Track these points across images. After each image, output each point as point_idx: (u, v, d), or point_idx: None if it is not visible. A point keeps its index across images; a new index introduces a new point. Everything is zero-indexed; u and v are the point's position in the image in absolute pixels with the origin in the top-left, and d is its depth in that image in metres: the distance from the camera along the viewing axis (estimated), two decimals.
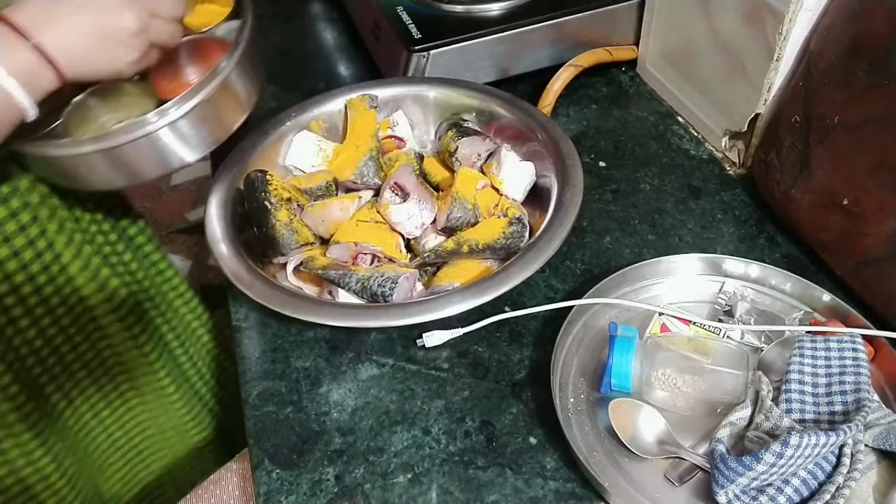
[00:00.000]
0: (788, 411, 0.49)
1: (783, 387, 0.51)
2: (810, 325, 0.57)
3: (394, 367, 0.59)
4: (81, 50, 0.50)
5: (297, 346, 0.62)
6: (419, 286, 0.63)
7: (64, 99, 0.58)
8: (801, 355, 0.52)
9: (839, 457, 0.47)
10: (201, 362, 0.86)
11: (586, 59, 0.82)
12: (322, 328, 0.62)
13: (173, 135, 0.58)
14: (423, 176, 0.72)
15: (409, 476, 0.53)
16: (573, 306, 0.58)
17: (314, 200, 0.68)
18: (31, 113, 0.50)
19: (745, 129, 0.71)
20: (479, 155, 0.69)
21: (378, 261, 0.63)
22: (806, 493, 0.46)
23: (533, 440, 0.54)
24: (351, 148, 0.70)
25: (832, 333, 0.54)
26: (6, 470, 0.67)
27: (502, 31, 0.79)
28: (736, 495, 0.46)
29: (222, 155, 0.70)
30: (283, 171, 0.72)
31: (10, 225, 0.61)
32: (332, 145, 0.73)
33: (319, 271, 0.61)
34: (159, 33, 0.54)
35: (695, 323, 0.58)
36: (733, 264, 0.61)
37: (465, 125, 0.72)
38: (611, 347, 0.54)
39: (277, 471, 0.53)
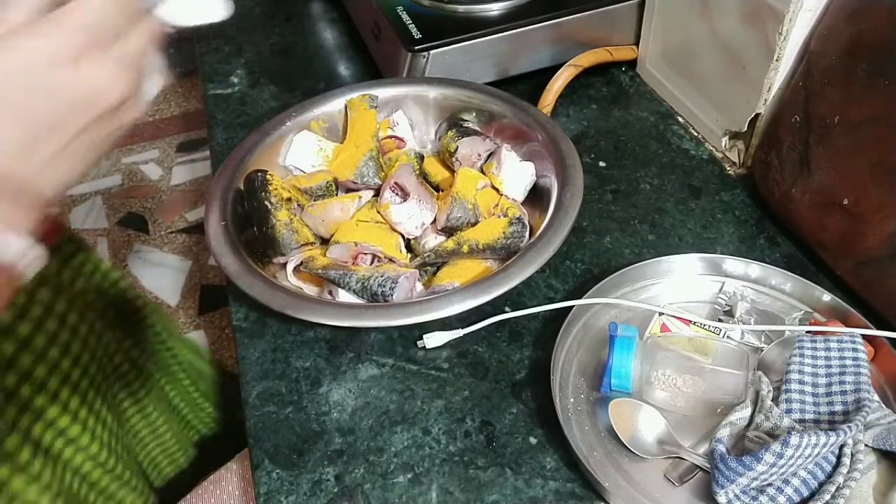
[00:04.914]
0: (788, 411, 0.49)
1: (783, 387, 0.51)
2: (810, 325, 0.57)
3: (394, 368, 0.60)
4: (82, 172, 0.39)
5: (297, 346, 0.62)
6: (419, 286, 0.63)
7: None
8: (801, 355, 0.52)
9: (839, 457, 0.47)
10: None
11: (586, 59, 0.82)
12: (322, 328, 0.62)
13: None
14: (423, 176, 0.72)
15: (409, 476, 0.53)
16: (573, 306, 0.58)
17: (314, 200, 0.68)
18: (41, 264, 0.39)
19: (745, 129, 0.71)
20: (479, 155, 0.69)
21: (378, 261, 0.63)
22: (806, 493, 0.46)
23: (533, 440, 0.54)
24: (351, 148, 0.71)
25: (832, 333, 0.54)
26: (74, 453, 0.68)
27: (502, 31, 0.79)
28: (736, 495, 0.46)
29: (222, 155, 0.70)
30: (283, 171, 0.72)
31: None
32: (332, 145, 0.73)
33: (319, 271, 0.61)
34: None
35: (695, 323, 0.58)
36: (733, 264, 0.61)
37: (465, 125, 0.72)
38: (611, 347, 0.54)
39: (277, 471, 0.53)
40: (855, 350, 0.52)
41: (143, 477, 0.82)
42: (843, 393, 0.50)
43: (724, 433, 0.49)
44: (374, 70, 0.89)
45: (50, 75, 0.35)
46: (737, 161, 0.75)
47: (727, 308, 0.60)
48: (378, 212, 0.66)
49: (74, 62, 0.35)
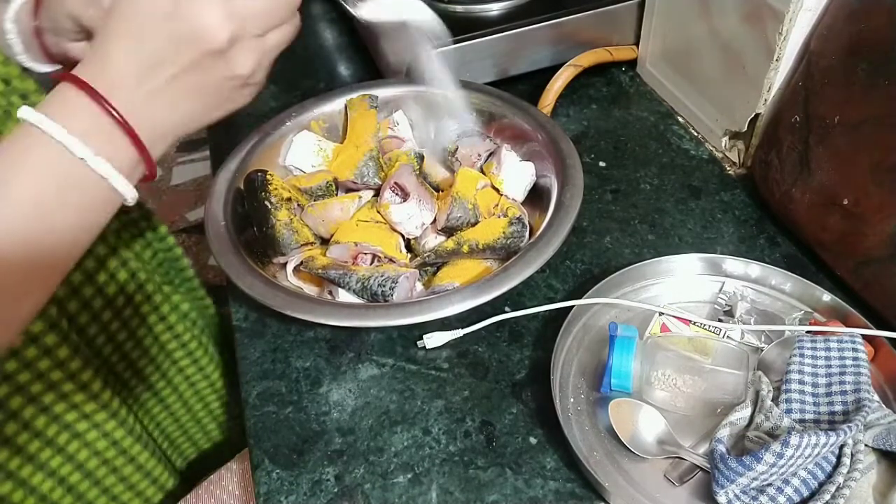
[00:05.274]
0: (788, 411, 0.49)
1: (783, 387, 0.51)
2: (810, 325, 0.57)
3: (394, 367, 0.60)
4: (186, 123, 0.41)
5: (297, 346, 0.62)
6: (419, 286, 0.63)
7: None
8: (801, 355, 0.52)
9: (839, 457, 0.47)
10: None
11: (586, 59, 0.82)
12: (322, 328, 0.62)
13: None
14: (423, 176, 0.72)
15: (409, 476, 0.53)
16: (573, 306, 0.58)
17: (314, 200, 0.68)
18: (130, 199, 0.42)
19: (745, 129, 0.71)
20: (479, 155, 0.69)
21: (378, 261, 0.63)
22: (806, 493, 0.46)
23: (533, 440, 0.54)
24: (351, 148, 0.71)
25: (832, 333, 0.54)
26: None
27: (502, 31, 0.79)
28: (736, 495, 0.46)
29: (222, 155, 0.70)
30: (283, 171, 0.72)
31: None
32: (332, 145, 0.73)
33: (319, 271, 0.61)
34: (277, 49, 0.42)
35: (695, 323, 0.58)
36: (733, 264, 0.61)
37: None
38: (611, 347, 0.54)
39: (277, 471, 0.53)
40: (855, 350, 0.52)
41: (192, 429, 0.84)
42: (843, 393, 0.50)
43: (724, 433, 0.49)
44: (374, 70, 0.89)
45: (170, 7, 0.36)
46: (737, 161, 0.74)
47: (727, 308, 0.60)
48: (378, 212, 0.66)
49: None
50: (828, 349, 0.52)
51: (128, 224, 0.72)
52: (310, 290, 0.64)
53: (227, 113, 0.43)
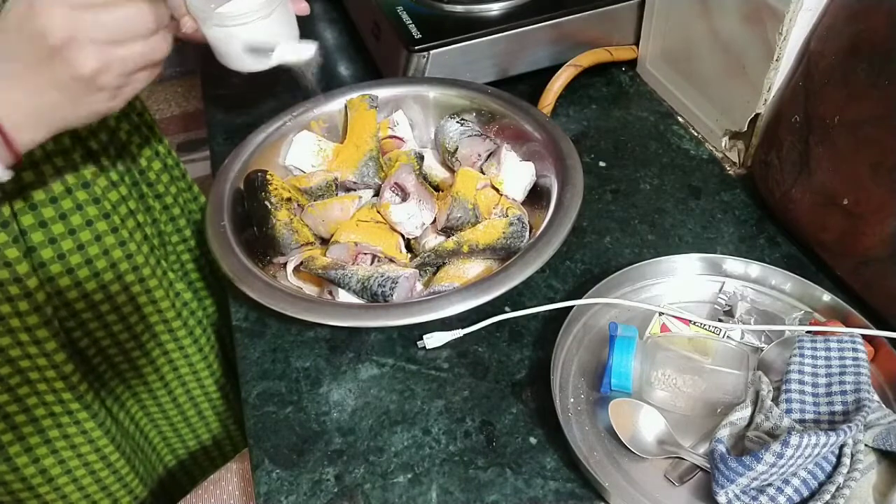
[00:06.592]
0: (788, 411, 0.49)
1: (783, 387, 0.51)
2: (810, 325, 0.57)
3: (394, 367, 0.60)
4: (35, 115, 0.44)
5: (297, 346, 0.62)
6: (419, 286, 0.63)
7: None
8: (801, 355, 0.52)
9: (839, 457, 0.47)
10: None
11: (586, 59, 0.82)
12: (322, 328, 0.62)
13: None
14: (423, 176, 0.72)
15: (409, 476, 0.53)
16: (573, 306, 0.58)
17: (314, 200, 0.68)
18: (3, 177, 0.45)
19: (745, 129, 0.71)
20: (479, 155, 0.69)
21: (378, 261, 0.63)
22: (806, 493, 0.46)
23: (533, 440, 0.54)
24: (351, 148, 0.71)
25: (832, 333, 0.54)
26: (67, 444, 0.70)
27: (502, 31, 0.79)
28: (736, 495, 0.46)
29: (222, 155, 0.70)
30: (283, 171, 0.72)
31: (76, 217, 0.62)
32: (332, 145, 0.73)
33: (319, 271, 0.61)
34: (131, 61, 0.44)
35: (695, 323, 0.58)
36: (733, 264, 0.61)
37: (465, 125, 0.72)
38: (611, 347, 0.54)
39: (277, 471, 0.53)
40: (855, 350, 0.52)
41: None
42: (843, 393, 0.50)
43: (724, 433, 0.49)
44: (374, 70, 0.89)
45: (25, 9, 0.41)
46: (737, 161, 0.74)
47: (727, 308, 0.60)
48: (378, 212, 0.66)
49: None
50: (828, 349, 0.52)
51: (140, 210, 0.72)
52: (310, 290, 0.64)
53: (93, 115, 0.46)
